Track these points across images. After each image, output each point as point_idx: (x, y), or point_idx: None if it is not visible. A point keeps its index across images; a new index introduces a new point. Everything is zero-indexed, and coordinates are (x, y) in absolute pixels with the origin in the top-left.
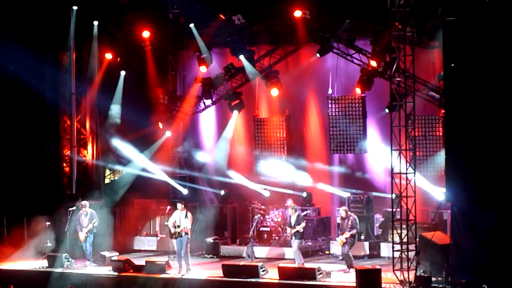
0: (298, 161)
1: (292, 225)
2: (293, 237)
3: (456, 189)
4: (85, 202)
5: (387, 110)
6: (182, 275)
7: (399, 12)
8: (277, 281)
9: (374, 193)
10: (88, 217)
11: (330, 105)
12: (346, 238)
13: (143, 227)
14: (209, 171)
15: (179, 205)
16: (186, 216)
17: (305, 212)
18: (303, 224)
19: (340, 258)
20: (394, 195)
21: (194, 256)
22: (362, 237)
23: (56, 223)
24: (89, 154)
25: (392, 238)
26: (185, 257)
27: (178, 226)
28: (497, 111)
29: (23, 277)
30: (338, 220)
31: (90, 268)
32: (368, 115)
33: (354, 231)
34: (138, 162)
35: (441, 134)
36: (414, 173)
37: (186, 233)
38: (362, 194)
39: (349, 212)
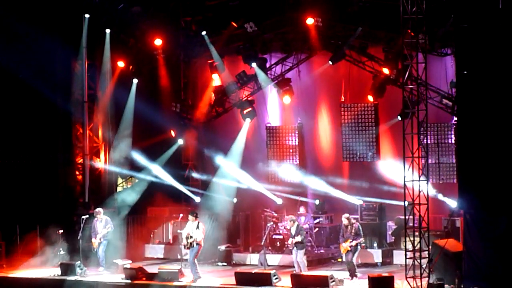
0: (311, 169)
1: (293, 235)
2: (295, 248)
3: (468, 196)
4: (99, 209)
5: (399, 118)
6: (193, 284)
7: (411, 20)
8: None
9: (387, 201)
10: (102, 224)
11: (342, 113)
12: (350, 246)
13: (155, 234)
14: (222, 179)
15: (191, 217)
16: (197, 227)
17: (317, 220)
18: (300, 236)
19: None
20: (406, 203)
21: (206, 263)
22: (375, 244)
23: (69, 231)
24: (101, 162)
25: (405, 246)
26: (193, 265)
27: (191, 237)
28: (510, 118)
29: (36, 285)
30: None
31: (103, 276)
32: (381, 122)
33: (360, 239)
34: (150, 170)
35: (453, 141)
36: (427, 180)
37: (197, 244)
38: (375, 202)
39: (352, 220)
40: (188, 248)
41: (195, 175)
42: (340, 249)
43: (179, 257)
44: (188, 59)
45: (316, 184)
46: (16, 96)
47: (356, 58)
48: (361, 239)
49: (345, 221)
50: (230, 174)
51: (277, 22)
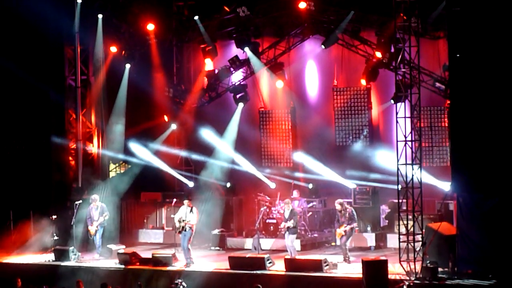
0: (304, 152)
1: (286, 219)
2: (287, 231)
3: (462, 179)
4: (95, 196)
5: (392, 101)
6: (185, 268)
7: (404, 3)
8: (283, 273)
9: (380, 185)
10: (98, 211)
11: (335, 97)
12: (344, 231)
13: (149, 220)
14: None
15: (185, 201)
16: (191, 211)
17: (310, 204)
18: (293, 221)
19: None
20: (400, 186)
21: (200, 248)
22: (368, 228)
23: (63, 216)
24: (94, 147)
25: (399, 229)
26: (187, 250)
27: (183, 221)
28: (502, 101)
29: (30, 271)
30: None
31: (96, 261)
32: (373, 106)
33: (354, 224)
34: (144, 155)
35: (446, 125)
36: (420, 164)
37: (190, 228)
38: (368, 186)
39: (345, 205)
40: (180, 232)
41: (188, 159)
42: (335, 234)
43: (176, 242)
44: (180, 43)
45: (309, 167)
46: (8, 82)
47: (349, 42)
48: (355, 224)
49: (338, 207)
50: (223, 158)
51: (269, 6)
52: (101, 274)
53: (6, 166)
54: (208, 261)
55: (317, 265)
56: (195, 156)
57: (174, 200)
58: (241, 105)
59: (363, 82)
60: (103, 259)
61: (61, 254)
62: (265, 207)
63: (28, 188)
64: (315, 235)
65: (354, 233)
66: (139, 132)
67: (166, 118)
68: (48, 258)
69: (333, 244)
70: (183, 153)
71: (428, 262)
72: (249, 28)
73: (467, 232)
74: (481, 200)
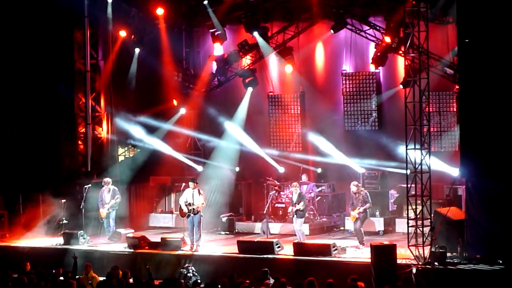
0: (312, 137)
1: (294, 203)
2: (295, 215)
3: (470, 164)
4: (108, 179)
5: (401, 86)
6: (194, 252)
7: None
8: (292, 257)
9: (389, 169)
10: (110, 194)
11: (344, 82)
12: (358, 213)
13: (158, 204)
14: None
15: (191, 184)
16: (199, 193)
17: (319, 188)
18: (302, 203)
19: (354, 233)
20: (408, 171)
21: (209, 232)
22: (377, 212)
23: (72, 200)
24: (104, 131)
25: (407, 214)
26: (197, 234)
27: (191, 204)
28: (511, 86)
29: (39, 255)
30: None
31: (105, 245)
32: (382, 91)
33: (367, 205)
34: (152, 139)
35: (455, 109)
36: (429, 149)
37: (198, 211)
38: (377, 170)
39: (360, 187)
40: (188, 216)
41: (197, 144)
42: (350, 217)
43: (185, 226)
44: (190, 28)
45: (318, 152)
46: (16, 66)
47: (358, 27)
48: (368, 205)
49: (353, 188)
50: (232, 143)
51: None
52: (110, 258)
53: (16, 150)
54: (216, 245)
55: (326, 250)
56: (204, 141)
57: (183, 184)
58: (250, 89)
59: (372, 67)
60: (112, 243)
61: (70, 238)
62: (274, 192)
63: (37, 172)
64: (324, 219)
65: (368, 216)
66: (148, 116)
67: (175, 102)
68: (57, 242)
69: (341, 228)
70: (192, 137)
71: (436, 246)
72: (258, 13)
73: (475, 217)
74: (490, 185)
